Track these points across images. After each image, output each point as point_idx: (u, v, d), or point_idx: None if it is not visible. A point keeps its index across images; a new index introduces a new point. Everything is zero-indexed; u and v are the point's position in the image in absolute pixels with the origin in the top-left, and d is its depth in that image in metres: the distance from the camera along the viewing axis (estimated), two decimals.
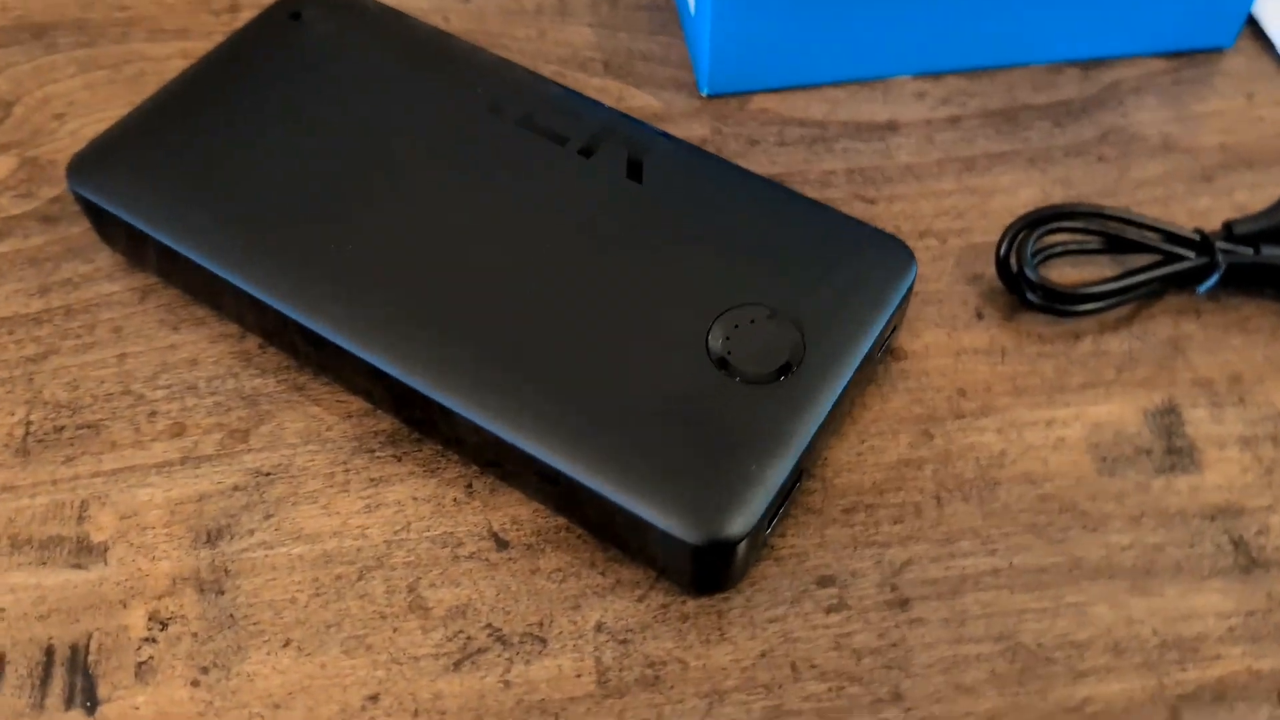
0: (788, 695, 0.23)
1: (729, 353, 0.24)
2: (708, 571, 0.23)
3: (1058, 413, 0.27)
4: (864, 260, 0.26)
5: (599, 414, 0.23)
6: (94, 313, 0.28)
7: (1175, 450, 0.26)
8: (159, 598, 0.24)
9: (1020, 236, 0.28)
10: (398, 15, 0.31)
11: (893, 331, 0.26)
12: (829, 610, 0.24)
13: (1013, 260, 0.28)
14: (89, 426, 0.26)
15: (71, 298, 0.29)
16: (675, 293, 0.25)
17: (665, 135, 0.28)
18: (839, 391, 0.24)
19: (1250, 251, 0.28)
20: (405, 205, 0.27)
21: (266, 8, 0.31)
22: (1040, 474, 0.26)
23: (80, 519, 0.25)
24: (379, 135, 0.28)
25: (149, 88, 0.33)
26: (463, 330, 0.25)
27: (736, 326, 0.25)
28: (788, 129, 0.32)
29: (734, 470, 0.23)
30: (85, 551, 0.25)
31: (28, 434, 0.26)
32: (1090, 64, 0.34)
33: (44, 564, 0.25)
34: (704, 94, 0.33)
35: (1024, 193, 0.31)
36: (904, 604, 0.24)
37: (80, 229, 0.30)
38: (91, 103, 0.33)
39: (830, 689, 0.23)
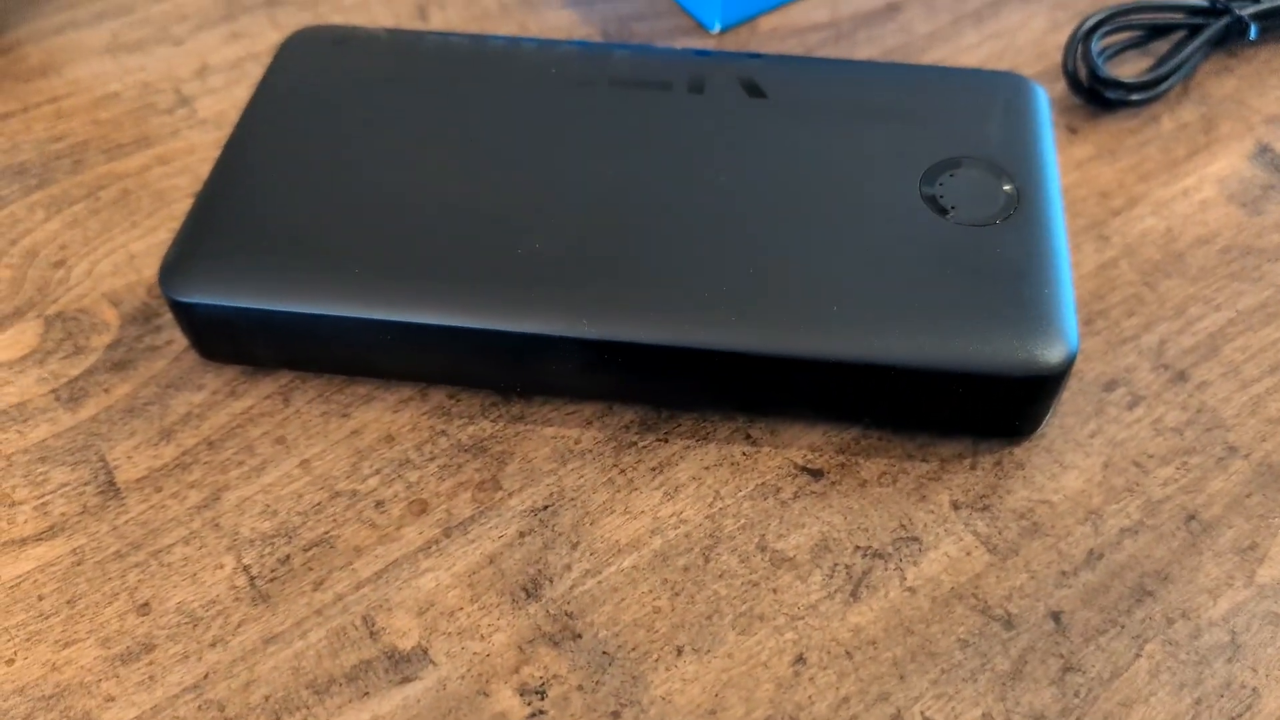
0: (1149, 488, 0.23)
1: (953, 206, 0.25)
2: (1036, 407, 0.23)
3: (1185, 183, 0.29)
4: (1004, 97, 0.27)
5: (872, 301, 0.23)
6: (241, 434, 0.25)
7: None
8: (516, 670, 0.21)
9: (1081, 47, 0.30)
10: (405, 32, 0.29)
11: None
12: (1130, 406, 0.25)
13: (1081, 70, 0.30)
14: (318, 544, 0.23)
15: (205, 429, 0.25)
16: (869, 173, 0.25)
17: (752, 54, 0.28)
18: (1061, 213, 0.25)
19: (1260, 2, 0.32)
20: (545, 187, 0.25)
21: (272, 61, 0.28)
22: (1207, 234, 0.28)
23: (374, 635, 0.22)
24: (468, 136, 0.26)
25: (143, 203, 0.29)
26: (692, 277, 0.23)
27: (940, 184, 0.25)
28: (807, 36, 0.33)
29: (1032, 301, 0.23)
30: (403, 663, 0.21)
31: (252, 579, 0.22)
32: None
33: (367, 695, 0.21)
34: (716, 30, 0.33)
35: (1036, 23, 0.33)
36: (1183, 376, 0.25)
37: (165, 361, 0.26)
38: (87, 238, 0.28)
39: (1178, 468, 0.24)
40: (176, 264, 0.24)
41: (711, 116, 0.26)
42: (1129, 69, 0.32)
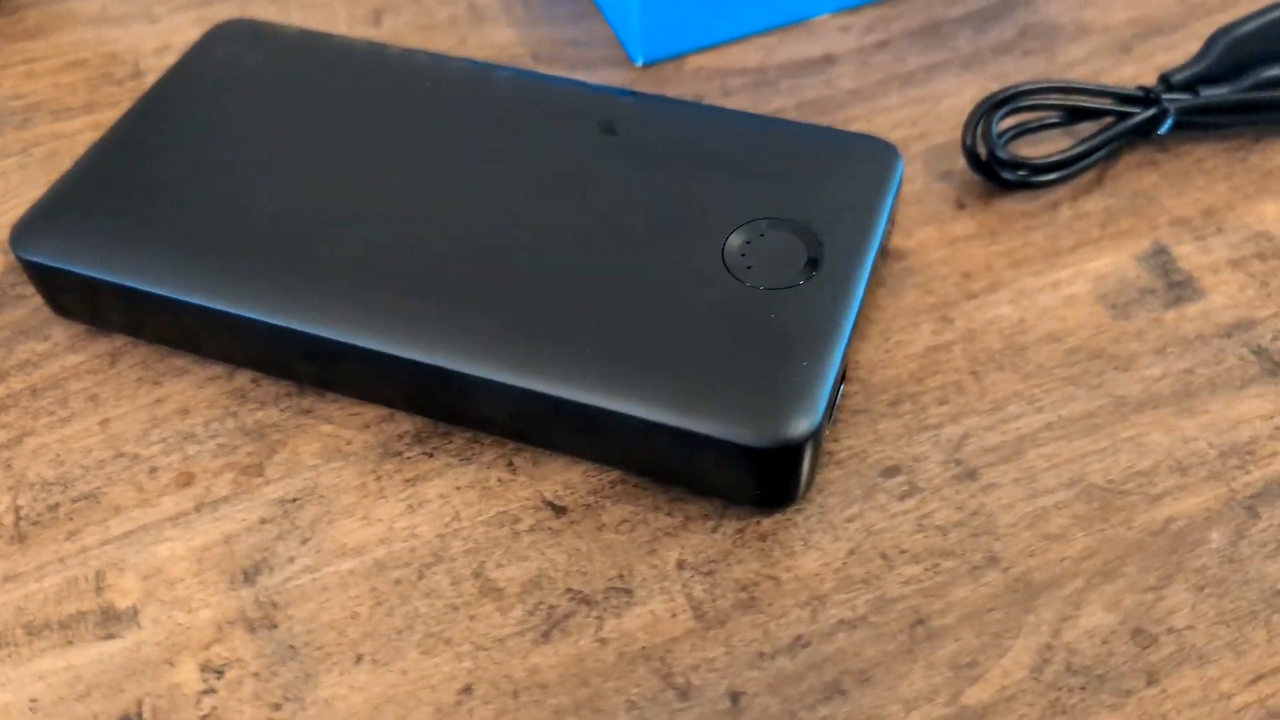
0: (887, 584, 0.22)
1: (750, 265, 0.24)
2: (778, 479, 0.22)
3: (1059, 274, 0.27)
4: (853, 161, 0.26)
5: (635, 349, 0.23)
6: (63, 386, 0.27)
7: (1176, 284, 0.27)
8: (207, 647, 0.22)
9: (983, 121, 0.29)
10: (321, 34, 0.31)
11: (891, 229, 0.27)
12: (903, 497, 0.23)
13: (980, 146, 0.29)
14: (86, 497, 0.25)
15: (34, 377, 0.27)
16: (681, 222, 0.25)
17: (624, 91, 0.29)
18: (864, 283, 0.24)
19: (1190, 96, 0.30)
20: (377, 196, 0.26)
21: (191, 47, 0.30)
22: (1061, 330, 0.26)
23: (99, 590, 0.23)
24: (331, 141, 0.27)
25: (65, 163, 0.31)
26: (471, 301, 0.24)
27: (748, 241, 0.25)
28: (729, 79, 0.33)
29: (786, 370, 0.22)
30: (113, 620, 0.23)
31: (19, 519, 0.24)
32: None
33: (70, 644, 0.22)
34: (639, 64, 0.33)
35: (967, 93, 0.32)
36: (972, 474, 0.24)
37: (26, 310, 0.28)
38: (6, 189, 0.31)
39: (926, 569, 0.22)
40: (28, 223, 0.26)
41: (559, 148, 0.27)
42: (1049, 148, 0.30)
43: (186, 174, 0.27)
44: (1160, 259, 0.28)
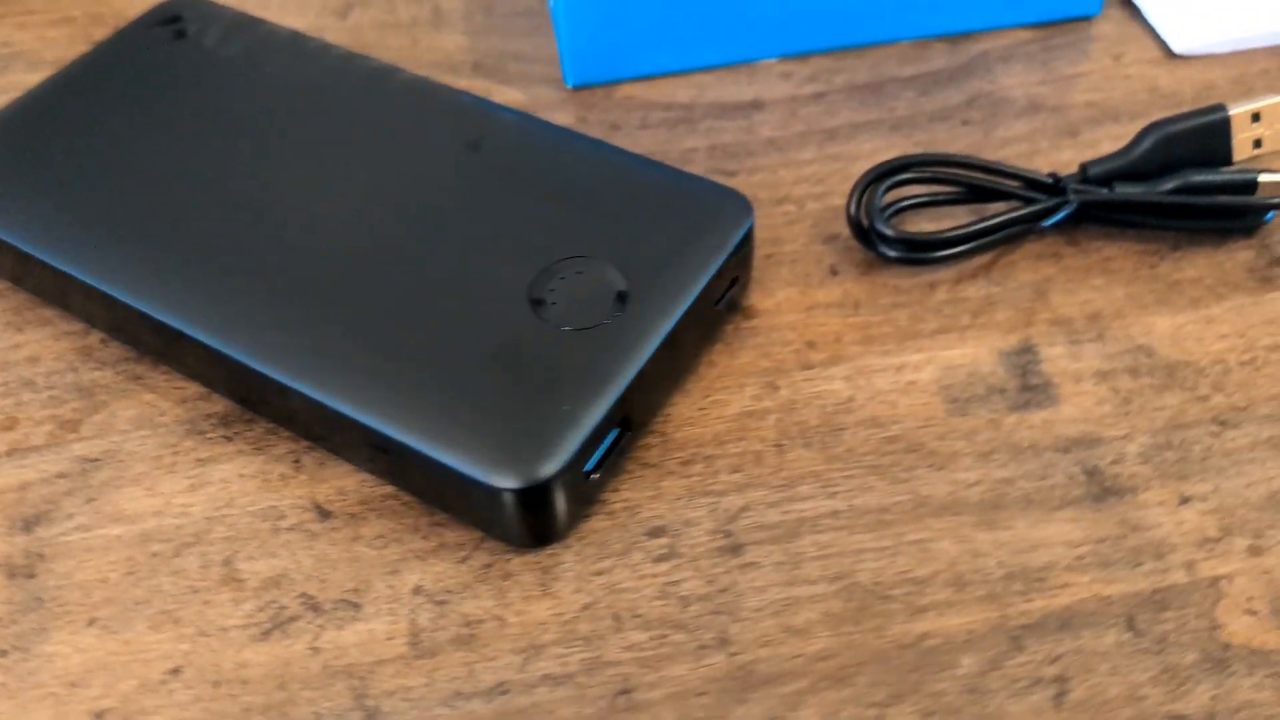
0: (607, 646, 0.21)
1: (552, 302, 0.24)
2: (525, 520, 0.22)
3: (909, 358, 0.26)
4: (695, 210, 0.25)
5: (416, 369, 0.23)
6: None
7: (1030, 387, 0.25)
8: None
9: (868, 190, 0.28)
10: (251, 20, 0.32)
11: (733, 284, 0.26)
12: (658, 560, 0.23)
13: (862, 215, 0.28)
14: None
15: None
16: (503, 249, 0.25)
17: (509, 110, 0.29)
18: (661, 337, 0.23)
19: (1105, 191, 0.28)
20: (236, 188, 0.26)
21: (132, 21, 0.32)
22: (887, 417, 0.25)
23: None
24: (221, 130, 0.28)
25: None
26: (284, 300, 0.24)
27: (563, 277, 0.24)
28: (651, 113, 0.32)
29: (544, 413, 0.22)
30: None
31: None
32: (959, 38, 0.34)
33: None
34: (569, 86, 0.33)
35: (884, 154, 0.31)
36: (736, 550, 0.23)
37: None
38: None
39: (653, 638, 0.22)
40: None
41: (420, 160, 0.27)
42: (943, 224, 0.28)
43: (83, 146, 0.28)
44: (1023, 358, 0.26)
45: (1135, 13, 0.35)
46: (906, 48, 0.34)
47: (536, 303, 0.24)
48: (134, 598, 0.23)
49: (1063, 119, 0.31)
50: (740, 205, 0.26)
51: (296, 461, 0.25)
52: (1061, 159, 0.30)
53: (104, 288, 0.25)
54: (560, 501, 0.22)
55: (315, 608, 0.22)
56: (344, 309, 0.24)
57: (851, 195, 0.28)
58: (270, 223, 0.26)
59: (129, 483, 0.25)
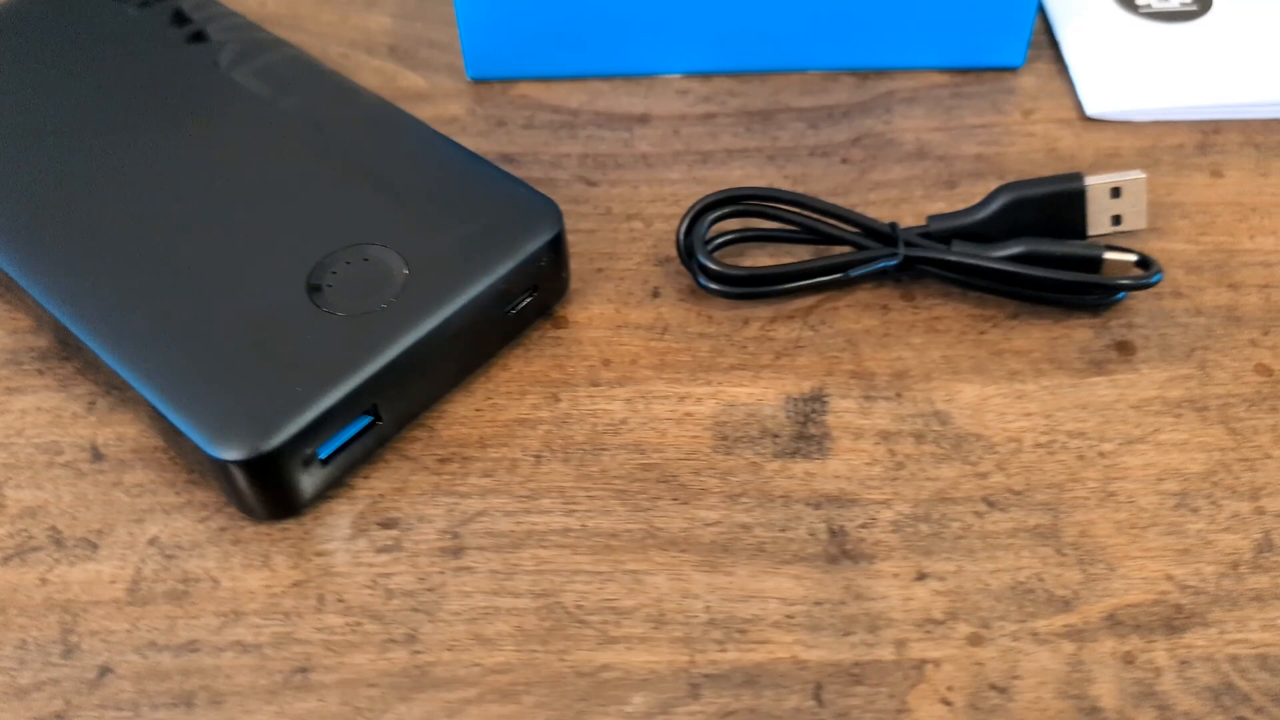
0: (302, 625, 0.22)
1: (329, 285, 0.24)
2: (245, 491, 0.23)
3: (695, 390, 0.26)
4: (500, 215, 0.26)
5: (179, 333, 0.24)
6: None
7: (805, 436, 0.25)
8: None
9: (690, 219, 0.27)
10: None
11: (533, 291, 0.26)
12: (381, 550, 0.23)
13: (685, 244, 0.27)
14: None
15: None
16: (302, 228, 0.25)
17: (357, 87, 0.29)
18: (420, 334, 0.24)
19: (941, 247, 0.27)
20: (76, 154, 0.27)
21: None
22: (652, 444, 0.25)
23: None
24: (87, 103, 0.29)
25: None
26: (94, 254, 0.25)
27: (349, 262, 0.25)
28: (539, 113, 0.33)
29: (276, 390, 0.22)
30: None
31: None
32: (872, 74, 0.33)
33: None
34: (469, 78, 0.34)
35: (749, 184, 0.30)
36: (458, 552, 0.23)
37: None
38: None
39: (348, 623, 0.22)
40: None
41: (261, 134, 0.28)
42: (781, 260, 0.28)
43: None
44: (810, 407, 0.25)
45: (1063, 69, 0.33)
46: (816, 78, 0.33)
47: (314, 285, 0.24)
48: None
49: (946, 169, 0.30)
50: (549, 216, 0.26)
51: (91, 404, 0.26)
52: (929, 209, 0.29)
53: None
54: (281, 478, 0.22)
55: (59, 542, 0.24)
56: (141, 269, 0.25)
57: (681, 222, 0.27)
58: (104, 182, 0.27)
59: None
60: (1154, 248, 0.28)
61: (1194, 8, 0.34)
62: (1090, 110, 0.32)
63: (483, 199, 0.26)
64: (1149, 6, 0.34)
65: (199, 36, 0.30)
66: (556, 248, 0.26)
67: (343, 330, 0.23)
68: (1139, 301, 0.27)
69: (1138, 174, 0.26)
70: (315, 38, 0.35)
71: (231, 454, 0.22)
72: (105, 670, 0.22)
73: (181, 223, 0.26)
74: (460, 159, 0.27)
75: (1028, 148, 0.31)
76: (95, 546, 0.23)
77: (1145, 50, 0.33)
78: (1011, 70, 0.33)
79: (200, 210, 0.26)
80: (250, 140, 0.28)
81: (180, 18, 0.31)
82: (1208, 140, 0.31)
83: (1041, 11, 0.35)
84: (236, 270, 0.25)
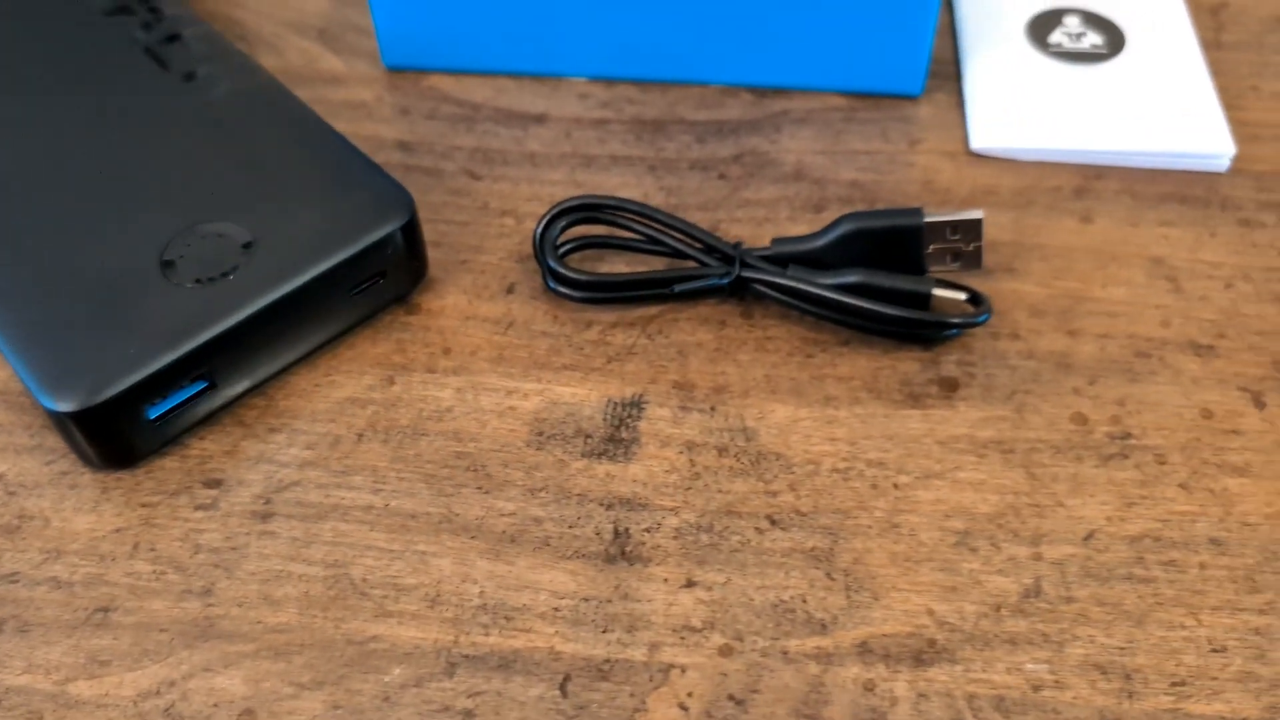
0: (114, 568, 0.24)
1: (180, 256, 0.26)
2: (75, 441, 0.24)
3: (524, 385, 0.27)
4: (354, 201, 0.27)
5: (33, 285, 0.25)
6: None
7: (616, 440, 0.26)
8: None
9: (549, 223, 0.28)
10: None
11: (380, 276, 0.27)
12: (199, 508, 0.25)
13: (540, 245, 0.28)
14: None
15: None
16: (166, 196, 0.27)
17: (257, 68, 0.31)
18: (253, 309, 0.25)
19: (775, 270, 0.27)
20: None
21: None
22: (470, 434, 0.26)
23: None
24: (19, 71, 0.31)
25: None
26: None
27: (203, 236, 0.26)
28: (443, 105, 0.34)
29: (108, 349, 0.24)
30: None
31: None
32: (771, 91, 0.34)
33: None
34: (385, 67, 0.35)
35: (624, 193, 0.31)
36: (266, 517, 0.25)
37: None
38: None
39: (154, 571, 0.24)
40: None
41: (152, 98, 0.29)
42: (635, 268, 0.29)
43: None
44: (627, 412, 0.26)
45: (962, 101, 0.34)
46: (715, 92, 0.34)
47: (165, 255, 0.26)
48: None
49: (817, 193, 0.31)
50: (400, 205, 0.27)
51: None
52: (791, 231, 0.30)
53: None
54: (111, 433, 0.24)
55: None
56: (8, 225, 0.27)
57: (538, 225, 0.28)
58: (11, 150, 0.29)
59: None
60: (1005, 287, 0.29)
61: (1105, 51, 0.34)
62: (975, 145, 0.32)
63: (340, 185, 0.27)
64: (1060, 45, 0.35)
65: (123, 10, 0.32)
66: (407, 236, 0.27)
67: (183, 300, 0.25)
68: (975, 339, 0.28)
69: (977, 213, 0.27)
70: (252, 14, 0.37)
71: (63, 405, 0.24)
72: None
73: (55, 184, 0.28)
74: (331, 145, 0.29)
75: (904, 178, 0.31)
76: None
77: (1042, 89, 0.33)
78: (911, 98, 0.34)
79: (75, 174, 0.28)
80: (139, 112, 0.29)
81: None
82: (1087, 185, 0.31)
83: (955, 41, 0.35)
84: (97, 234, 0.26)
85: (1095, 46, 0.35)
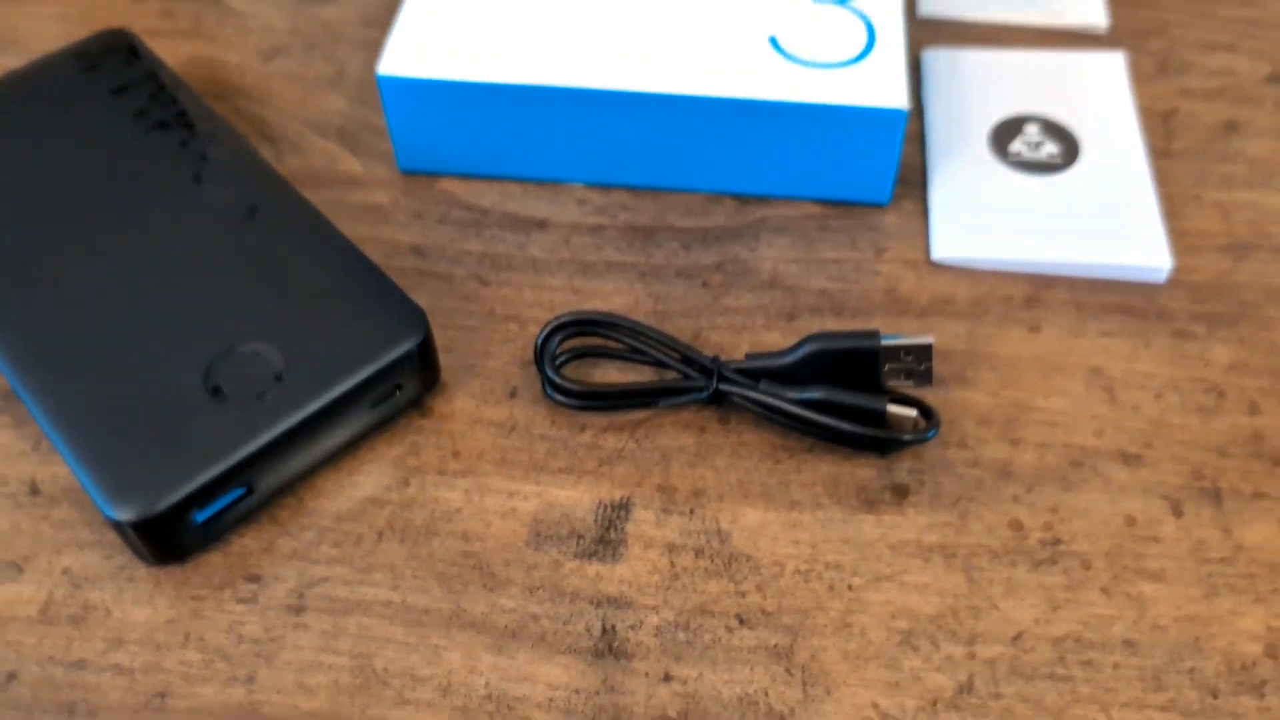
0: (168, 657, 0.27)
1: (224, 374, 0.29)
2: (136, 542, 0.28)
3: (525, 487, 0.30)
4: (375, 320, 0.30)
5: (91, 400, 0.29)
6: None
7: (606, 541, 0.29)
8: None
9: (548, 336, 0.32)
10: (152, 72, 0.38)
11: (397, 389, 0.31)
12: (240, 601, 0.28)
13: (539, 355, 0.32)
14: None
15: None
16: (209, 317, 0.31)
17: (285, 184, 0.34)
18: (287, 427, 0.29)
19: (750, 384, 0.31)
20: (48, 233, 0.33)
21: (64, 46, 0.39)
22: (477, 534, 0.29)
23: None
24: (53, 172, 0.34)
25: None
26: (47, 320, 0.31)
27: (243, 354, 0.30)
28: (453, 210, 0.37)
29: (162, 465, 0.28)
30: None
31: None
32: (753, 199, 0.37)
33: None
34: (400, 170, 0.38)
35: (617, 299, 0.34)
36: (299, 610, 0.28)
37: None
38: None
39: (203, 660, 0.27)
40: None
41: (193, 214, 0.33)
42: (627, 376, 0.32)
43: None
44: (616, 514, 0.30)
45: (926, 209, 0.37)
46: (702, 199, 0.37)
47: (208, 372, 0.29)
48: None
49: (790, 301, 0.34)
50: (416, 324, 0.30)
51: (36, 444, 0.32)
52: (767, 338, 0.33)
53: None
54: (164, 537, 0.28)
55: None
56: (70, 339, 0.30)
57: (538, 337, 0.32)
58: (51, 253, 0.32)
59: None
60: (956, 396, 0.32)
61: (1060, 161, 0.37)
62: (936, 255, 0.35)
63: (362, 304, 0.31)
64: (1019, 155, 0.38)
65: (162, 125, 0.36)
66: (422, 353, 0.31)
67: (225, 418, 0.29)
68: (926, 448, 0.31)
69: (928, 339, 0.30)
70: (276, 112, 0.40)
71: (123, 515, 0.27)
72: (11, 676, 0.27)
73: (110, 299, 0.31)
74: (354, 264, 0.32)
75: (870, 287, 0.35)
76: (20, 570, 0.29)
77: (1000, 201, 0.36)
78: (880, 206, 0.37)
79: (127, 289, 0.31)
80: (178, 231, 0.33)
81: (148, 106, 0.36)
82: (1037, 294, 0.35)
83: (923, 148, 0.38)
84: (147, 353, 0.30)
85: (1052, 156, 0.38)
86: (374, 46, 0.42)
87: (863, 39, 0.35)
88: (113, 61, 0.38)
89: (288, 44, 0.43)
